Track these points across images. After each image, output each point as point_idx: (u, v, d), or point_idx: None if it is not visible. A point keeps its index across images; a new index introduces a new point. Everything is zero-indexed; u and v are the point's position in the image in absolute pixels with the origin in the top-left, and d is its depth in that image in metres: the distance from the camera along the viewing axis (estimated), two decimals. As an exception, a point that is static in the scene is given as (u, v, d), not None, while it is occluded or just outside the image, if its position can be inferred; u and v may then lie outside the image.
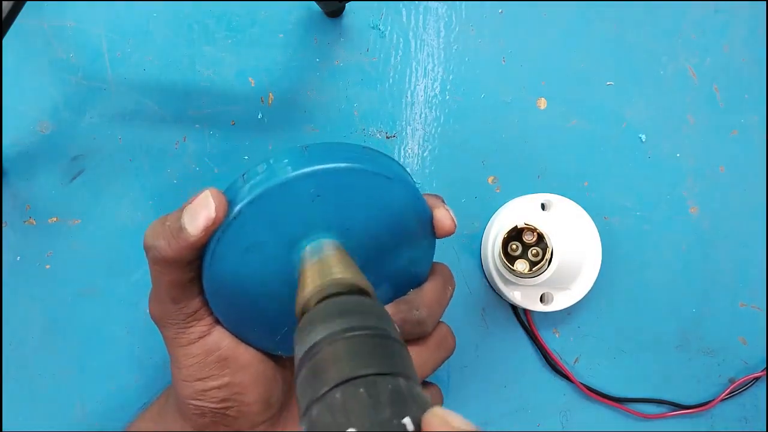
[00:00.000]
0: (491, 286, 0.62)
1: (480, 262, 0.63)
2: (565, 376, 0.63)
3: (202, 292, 0.39)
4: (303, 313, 0.32)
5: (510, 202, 0.62)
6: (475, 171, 0.62)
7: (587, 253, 0.61)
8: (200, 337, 0.40)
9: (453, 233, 0.42)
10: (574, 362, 0.64)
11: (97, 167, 0.59)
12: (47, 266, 0.58)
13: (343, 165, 0.35)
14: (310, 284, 0.33)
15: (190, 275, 0.38)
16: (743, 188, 0.65)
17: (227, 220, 0.35)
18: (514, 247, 0.58)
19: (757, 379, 0.64)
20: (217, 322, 0.41)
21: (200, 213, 0.35)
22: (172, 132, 0.59)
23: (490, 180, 0.63)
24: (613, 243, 0.63)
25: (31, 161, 0.58)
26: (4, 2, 0.44)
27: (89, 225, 0.59)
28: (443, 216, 0.41)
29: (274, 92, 0.60)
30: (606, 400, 0.63)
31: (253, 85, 0.60)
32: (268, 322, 0.41)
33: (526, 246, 0.59)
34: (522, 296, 0.60)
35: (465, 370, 0.62)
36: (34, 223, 0.58)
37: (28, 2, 0.48)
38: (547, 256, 0.57)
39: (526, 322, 0.62)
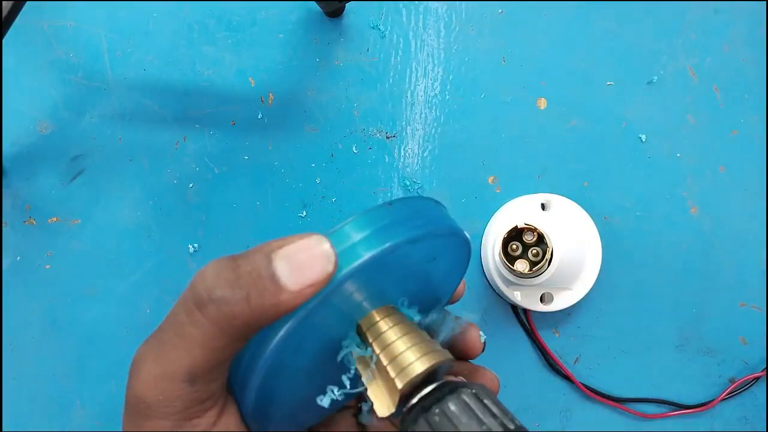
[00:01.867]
0: (491, 286, 0.62)
1: (480, 262, 0.63)
2: (565, 376, 0.63)
3: (227, 371, 0.29)
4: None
5: (510, 202, 0.62)
6: (475, 171, 0.62)
7: (587, 253, 0.61)
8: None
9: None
10: (575, 362, 0.64)
11: (97, 167, 0.59)
12: (47, 266, 0.59)
13: (444, 228, 0.31)
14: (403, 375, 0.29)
15: (237, 348, 0.28)
16: (743, 188, 0.65)
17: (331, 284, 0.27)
18: (514, 247, 0.58)
19: (757, 379, 0.64)
20: (225, 406, 0.30)
21: (312, 265, 0.26)
22: (172, 132, 0.59)
23: (490, 180, 0.63)
24: (614, 243, 0.63)
25: (31, 161, 0.58)
26: (4, 2, 0.44)
27: (89, 225, 0.59)
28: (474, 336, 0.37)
29: (274, 92, 0.60)
30: (606, 400, 0.63)
31: (253, 85, 0.60)
32: (298, 404, 0.33)
33: (526, 246, 0.59)
34: (522, 296, 0.60)
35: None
36: (34, 223, 0.58)
37: (28, 2, 0.48)
38: (548, 256, 0.57)
39: (526, 322, 0.62)
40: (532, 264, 0.58)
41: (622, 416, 0.64)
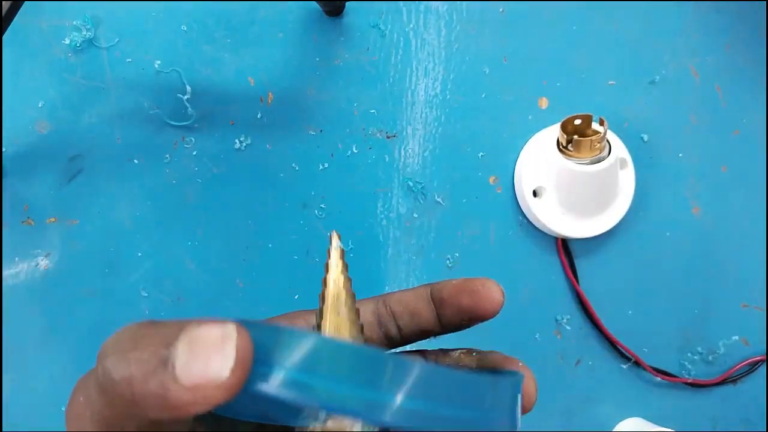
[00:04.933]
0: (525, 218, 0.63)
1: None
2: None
3: None
4: None
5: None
6: (477, 171, 0.62)
7: (622, 187, 0.62)
8: None
9: None
10: (576, 364, 0.64)
11: (95, 167, 0.58)
12: (46, 267, 0.58)
13: None
14: None
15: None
16: (745, 188, 0.65)
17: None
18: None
19: (756, 363, 0.64)
20: None
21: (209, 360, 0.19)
22: (170, 132, 0.59)
23: (491, 180, 0.62)
24: (615, 243, 0.63)
25: (29, 161, 0.57)
26: (3, 2, 0.44)
27: (87, 225, 0.59)
28: None
29: (273, 92, 0.60)
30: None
31: (252, 84, 0.59)
32: None
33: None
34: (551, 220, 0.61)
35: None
36: (33, 223, 0.58)
37: (27, 2, 0.48)
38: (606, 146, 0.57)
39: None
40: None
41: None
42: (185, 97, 0.58)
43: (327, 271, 0.30)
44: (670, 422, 0.64)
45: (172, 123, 0.59)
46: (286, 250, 0.60)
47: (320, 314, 0.29)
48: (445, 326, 0.32)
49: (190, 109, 0.58)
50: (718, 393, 0.65)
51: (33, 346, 0.58)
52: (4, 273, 0.58)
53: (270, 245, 0.60)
